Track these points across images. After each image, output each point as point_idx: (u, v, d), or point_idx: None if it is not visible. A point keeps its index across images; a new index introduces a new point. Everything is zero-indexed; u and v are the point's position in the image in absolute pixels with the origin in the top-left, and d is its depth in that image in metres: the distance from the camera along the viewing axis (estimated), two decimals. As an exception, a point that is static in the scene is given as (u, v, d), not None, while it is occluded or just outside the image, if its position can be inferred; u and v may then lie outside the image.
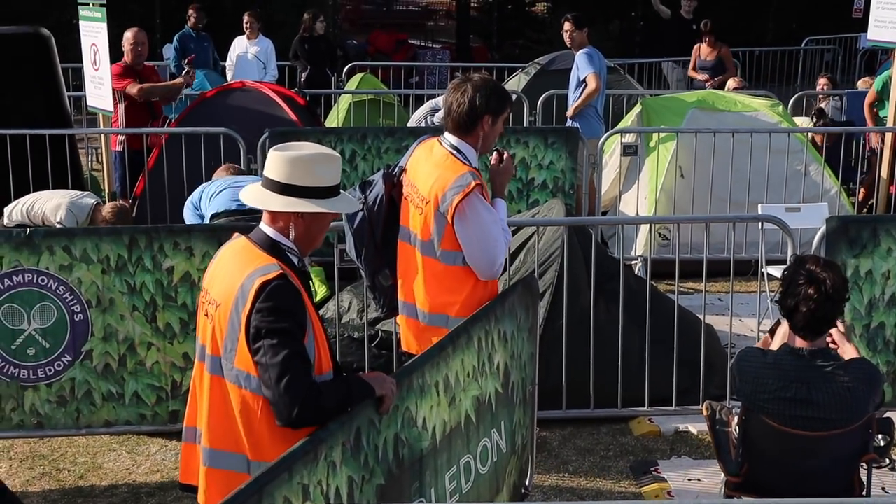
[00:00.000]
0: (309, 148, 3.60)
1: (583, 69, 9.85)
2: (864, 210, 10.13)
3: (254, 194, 3.60)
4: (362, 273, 5.01)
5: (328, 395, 3.39)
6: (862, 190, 10.34)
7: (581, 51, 9.97)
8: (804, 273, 4.32)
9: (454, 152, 4.61)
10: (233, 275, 3.47)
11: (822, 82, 12.26)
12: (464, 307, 4.60)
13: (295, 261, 3.55)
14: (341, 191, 3.61)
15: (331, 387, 3.44)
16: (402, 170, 4.78)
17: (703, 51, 13.39)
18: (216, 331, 3.48)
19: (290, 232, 3.52)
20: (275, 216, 3.54)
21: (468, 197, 4.47)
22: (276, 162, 3.53)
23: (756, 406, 4.43)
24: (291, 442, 3.33)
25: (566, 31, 10.02)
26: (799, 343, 4.37)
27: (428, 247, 4.61)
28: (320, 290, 7.85)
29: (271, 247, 3.52)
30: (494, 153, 4.78)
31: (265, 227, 3.56)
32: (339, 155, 3.62)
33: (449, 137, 4.65)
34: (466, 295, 4.61)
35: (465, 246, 4.52)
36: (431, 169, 4.61)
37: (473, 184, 4.48)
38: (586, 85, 9.85)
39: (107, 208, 7.79)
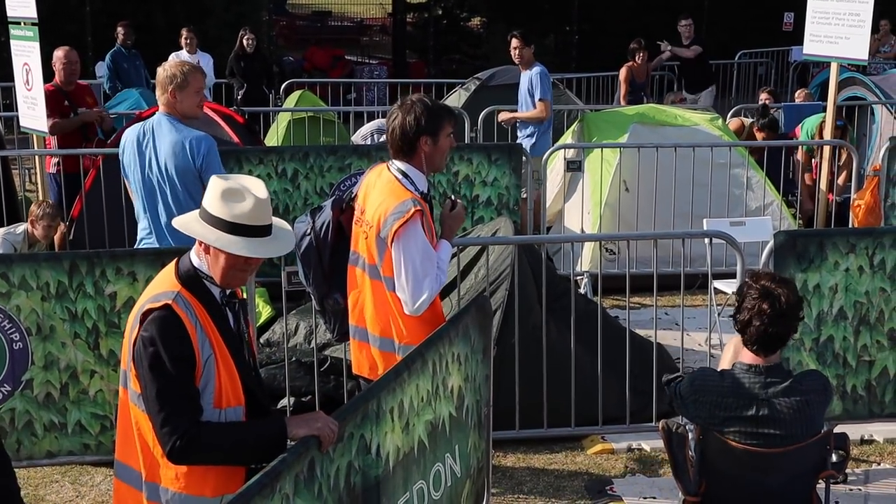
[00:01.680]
0: (243, 182, 3.54)
1: (538, 91, 9.82)
2: (800, 222, 10.23)
3: (186, 216, 3.61)
4: (311, 297, 4.97)
5: (215, 435, 3.39)
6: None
7: (535, 69, 9.93)
8: (758, 288, 4.30)
9: (400, 177, 4.63)
10: (143, 298, 3.52)
11: (763, 96, 12.38)
12: (410, 332, 4.62)
13: (216, 291, 3.52)
14: (271, 233, 3.53)
15: (221, 428, 3.43)
16: (354, 196, 4.81)
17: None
18: (124, 348, 3.52)
19: (202, 258, 3.51)
20: (200, 243, 3.52)
21: (405, 224, 4.48)
22: (209, 188, 3.53)
23: (714, 428, 4.40)
24: (183, 470, 3.39)
25: (514, 48, 9.99)
26: (753, 359, 4.36)
27: (373, 270, 4.64)
28: (265, 311, 7.72)
29: (187, 274, 3.50)
30: (447, 200, 4.80)
31: (192, 253, 3.55)
32: (261, 196, 3.49)
33: (396, 162, 4.68)
34: (411, 320, 4.61)
35: (395, 273, 4.54)
36: (377, 194, 4.64)
37: (413, 210, 4.49)
38: (534, 107, 9.85)
39: (33, 210, 7.66)
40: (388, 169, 4.68)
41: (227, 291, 3.58)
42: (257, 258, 3.51)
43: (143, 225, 6.02)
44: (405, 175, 4.62)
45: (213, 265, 3.49)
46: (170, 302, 3.39)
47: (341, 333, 4.97)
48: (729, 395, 4.34)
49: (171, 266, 3.58)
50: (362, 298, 4.72)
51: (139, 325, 3.41)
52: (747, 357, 4.38)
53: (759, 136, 10.70)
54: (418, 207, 4.49)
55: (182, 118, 5.93)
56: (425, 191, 4.68)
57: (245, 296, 3.87)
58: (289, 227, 3.69)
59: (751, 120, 11.30)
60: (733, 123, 11.34)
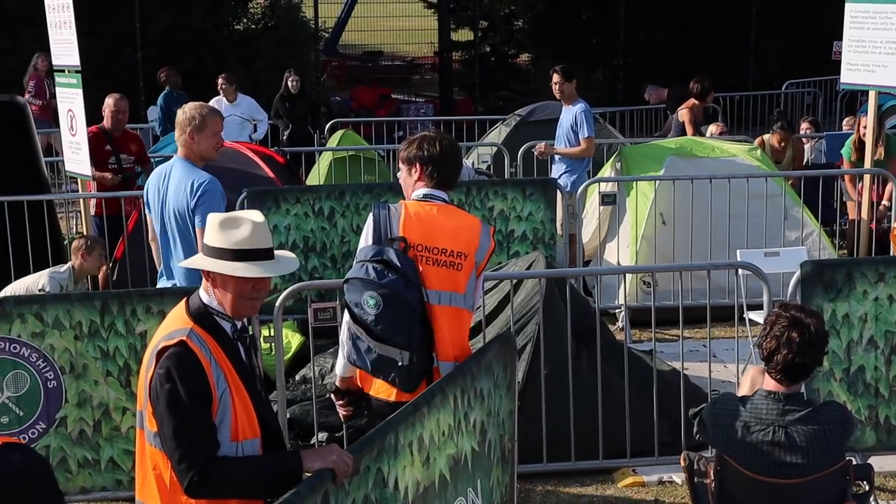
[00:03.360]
0: (239, 213, 3.67)
1: (583, 129, 9.84)
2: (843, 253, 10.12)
3: (193, 257, 3.76)
4: (400, 357, 4.45)
5: (231, 469, 3.44)
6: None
7: (578, 106, 9.96)
8: (788, 317, 4.32)
9: (450, 203, 4.68)
10: (156, 337, 3.58)
11: (804, 126, 12.33)
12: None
13: (227, 325, 3.60)
14: (274, 256, 3.65)
15: (238, 462, 3.49)
16: (405, 239, 4.50)
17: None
18: (140, 389, 3.59)
19: (211, 294, 3.60)
20: (207, 278, 3.62)
21: (493, 242, 4.68)
22: (207, 225, 3.66)
23: (730, 453, 4.39)
24: None
25: (555, 84, 10.05)
26: (774, 387, 4.35)
27: (468, 300, 4.57)
28: (294, 340, 7.80)
29: (197, 311, 3.58)
30: None
31: (201, 290, 3.64)
32: (255, 220, 3.61)
33: (436, 192, 4.62)
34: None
35: (475, 294, 4.66)
36: (453, 224, 4.56)
37: (490, 227, 4.73)
38: (579, 144, 9.88)
39: (77, 243, 7.83)
40: (431, 199, 4.59)
41: (239, 326, 3.65)
42: (264, 283, 3.61)
43: (162, 265, 6.19)
44: (447, 201, 4.69)
45: (223, 297, 3.58)
46: (184, 338, 3.47)
47: (418, 380, 4.52)
48: (747, 420, 4.34)
49: (181, 305, 3.66)
50: (455, 333, 4.55)
51: (155, 363, 3.48)
52: (769, 384, 4.38)
53: (774, 139, 10.62)
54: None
55: (198, 161, 6.09)
56: None
57: (266, 335, 3.96)
58: (292, 255, 3.80)
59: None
60: (756, 142, 11.22)
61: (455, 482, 4.35)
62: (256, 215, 3.65)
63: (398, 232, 4.50)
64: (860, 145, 9.91)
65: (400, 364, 4.42)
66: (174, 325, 3.58)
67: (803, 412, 4.31)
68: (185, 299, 3.67)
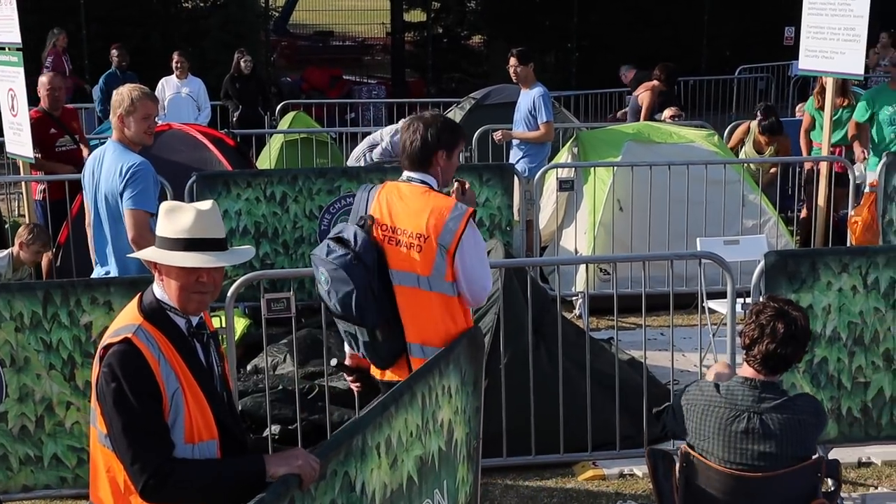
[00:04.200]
0: (193, 203, 3.50)
1: (542, 113, 9.69)
2: (798, 239, 10.09)
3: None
4: (356, 333, 4.59)
5: (189, 472, 3.28)
6: (803, 213, 10.31)
7: (536, 90, 9.80)
8: (775, 307, 4.29)
9: (428, 186, 4.60)
10: (106, 333, 3.41)
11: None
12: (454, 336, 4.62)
13: (181, 322, 3.42)
14: (227, 247, 3.48)
15: (196, 465, 3.32)
16: (372, 218, 4.59)
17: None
18: (93, 386, 3.41)
19: (163, 290, 3.42)
20: (157, 272, 3.45)
21: (469, 223, 4.50)
22: (159, 214, 3.51)
23: (702, 441, 4.29)
24: None
25: (511, 67, 9.88)
26: (752, 374, 4.27)
27: (433, 282, 4.51)
28: (239, 325, 7.56)
29: (150, 306, 3.41)
30: (455, 183, 4.74)
31: (155, 283, 3.46)
32: (201, 208, 3.43)
33: (412, 174, 4.62)
34: (462, 324, 4.61)
35: (466, 273, 4.49)
36: (417, 206, 4.54)
37: (467, 210, 4.52)
38: (538, 128, 9.73)
39: (21, 233, 7.58)
40: (409, 182, 4.61)
41: (195, 322, 3.46)
42: (208, 275, 3.40)
43: (96, 252, 6.02)
44: (429, 185, 4.60)
45: (170, 291, 3.40)
46: (129, 336, 3.28)
47: (390, 359, 4.63)
48: (721, 406, 4.25)
49: (135, 300, 3.47)
50: (421, 313, 4.54)
51: (99, 361, 3.31)
52: (746, 372, 4.31)
53: (762, 139, 10.55)
54: (472, 209, 4.55)
55: (130, 144, 5.87)
56: None
57: (217, 328, 3.73)
58: (250, 248, 3.64)
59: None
60: (741, 128, 11.14)
61: (422, 484, 4.21)
62: (205, 203, 3.47)
63: (369, 211, 4.59)
64: (822, 91, 9.89)
65: (361, 339, 4.56)
66: (123, 320, 3.40)
67: (779, 401, 4.26)
68: (140, 293, 3.48)
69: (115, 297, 5.39)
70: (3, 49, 8.53)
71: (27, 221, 8.90)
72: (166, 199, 8.13)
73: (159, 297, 3.42)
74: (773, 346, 4.22)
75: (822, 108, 10.17)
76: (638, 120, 12.08)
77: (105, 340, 3.34)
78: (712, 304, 7.52)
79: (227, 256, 3.45)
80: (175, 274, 3.37)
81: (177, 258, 3.35)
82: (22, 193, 9.63)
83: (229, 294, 5.72)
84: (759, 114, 10.91)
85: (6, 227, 9.23)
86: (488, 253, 6.77)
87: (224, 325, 5.74)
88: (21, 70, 8.32)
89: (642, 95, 12.21)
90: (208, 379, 3.45)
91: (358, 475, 3.69)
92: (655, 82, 12.18)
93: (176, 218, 3.39)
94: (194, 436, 3.34)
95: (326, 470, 3.47)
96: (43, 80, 9.08)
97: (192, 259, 3.35)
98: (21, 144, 8.55)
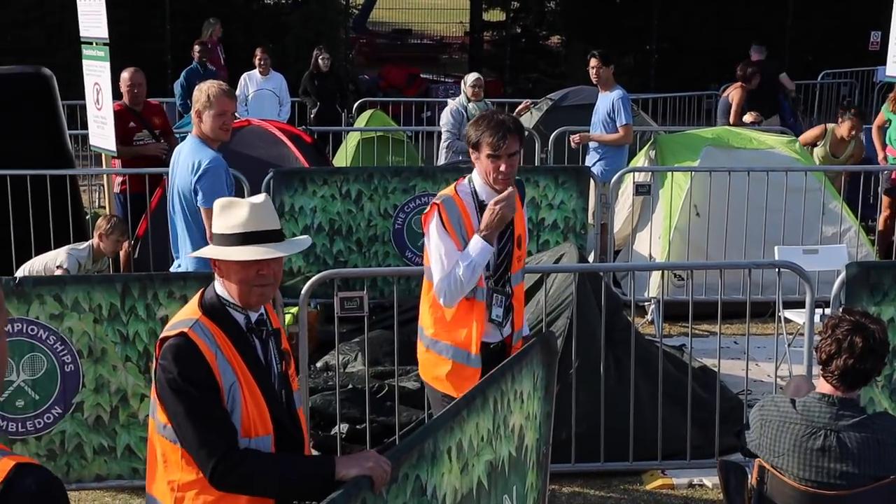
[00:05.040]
0: (245, 199, 3.52)
1: (621, 116, 9.63)
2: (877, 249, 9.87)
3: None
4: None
5: (259, 464, 3.28)
6: (882, 221, 10.08)
7: (616, 92, 9.73)
8: (852, 321, 4.17)
9: (462, 181, 4.69)
10: (165, 327, 3.44)
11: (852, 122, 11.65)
12: (437, 326, 4.67)
13: (240, 318, 3.42)
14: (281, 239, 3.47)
15: (269, 458, 3.33)
16: None
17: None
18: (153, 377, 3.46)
19: (223, 286, 3.42)
20: (216, 269, 3.46)
21: (426, 218, 4.59)
22: (213, 213, 3.51)
23: (776, 458, 4.21)
24: (212, 501, 3.30)
25: (592, 68, 9.81)
26: (830, 391, 4.17)
27: (427, 271, 4.71)
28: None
29: (210, 302, 3.42)
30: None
31: (216, 280, 3.47)
32: (254, 201, 3.44)
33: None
34: (439, 315, 4.66)
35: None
36: None
37: (431, 204, 4.59)
38: (617, 130, 9.67)
39: (100, 224, 7.71)
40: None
41: (255, 318, 3.47)
42: (268, 267, 3.39)
43: (172, 245, 6.12)
44: (471, 181, 4.64)
45: (230, 287, 3.40)
46: (186, 330, 3.30)
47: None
48: (797, 423, 4.16)
49: (197, 295, 3.51)
50: (421, 300, 4.80)
51: (157, 353, 3.35)
52: (824, 388, 4.20)
53: (844, 127, 10.19)
54: (437, 202, 4.53)
55: (208, 140, 5.95)
56: (487, 200, 4.56)
57: (281, 325, 3.75)
58: (306, 237, 3.66)
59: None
60: (815, 129, 10.84)
61: (492, 489, 4.18)
62: (258, 197, 3.48)
63: None
64: None
65: None
66: (182, 315, 3.44)
67: (857, 419, 4.13)
68: (202, 289, 3.51)
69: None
70: (91, 44, 8.68)
71: (108, 212, 9.07)
72: (244, 194, 8.25)
73: (219, 294, 3.43)
74: (851, 362, 4.11)
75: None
76: (727, 120, 11.94)
77: (163, 334, 3.37)
78: (788, 313, 7.39)
79: (284, 247, 3.45)
80: (235, 268, 3.37)
81: (235, 252, 3.36)
82: (103, 185, 9.80)
83: (303, 291, 5.75)
84: (847, 107, 10.63)
85: (87, 218, 9.39)
86: (560, 258, 6.76)
87: (297, 321, 5.78)
88: (107, 64, 8.46)
89: (733, 94, 12.08)
90: (265, 375, 3.45)
91: (429, 479, 3.67)
92: (741, 83, 12.05)
93: (231, 214, 3.40)
94: (250, 430, 3.34)
95: (398, 473, 3.46)
96: (124, 75, 9.22)
97: (250, 252, 3.36)
98: (104, 138, 8.69)
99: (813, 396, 4.23)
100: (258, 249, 3.37)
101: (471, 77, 11.04)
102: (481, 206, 4.57)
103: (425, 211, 4.65)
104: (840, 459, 4.10)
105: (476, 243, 4.50)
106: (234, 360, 3.34)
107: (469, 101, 10.88)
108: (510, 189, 4.54)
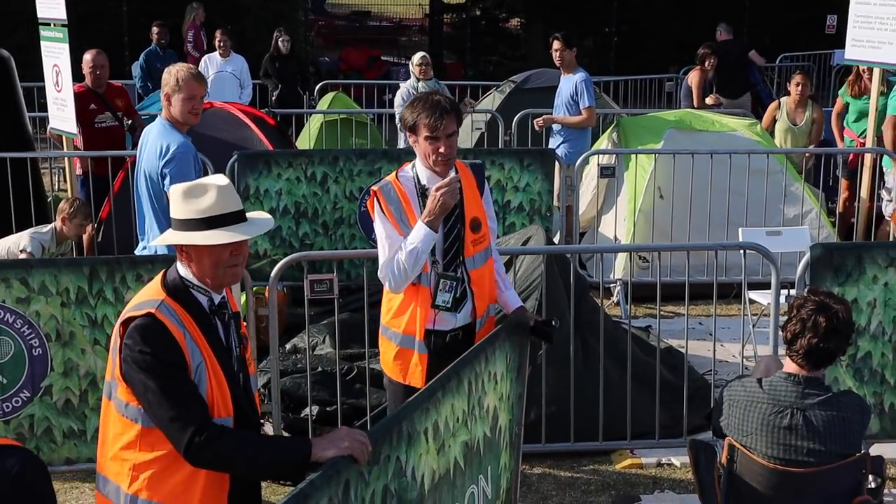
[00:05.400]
0: (202, 180, 3.49)
1: (584, 98, 9.67)
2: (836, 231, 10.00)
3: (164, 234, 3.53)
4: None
5: (235, 441, 3.29)
6: (841, 203, 10.19)
7: (578, 75, 9.77)
8: (816, 301, 4.23)
9: (405, 166, 4.64)
10: (127, 308, 3.42)
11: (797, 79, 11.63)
12: (388, 309, 4.66)
13: (203, 300, 3.43)
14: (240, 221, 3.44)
15: (246, 436, 3.36)
16: None
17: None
18: (109, 358, 3.44)
19: (187, 267, 3.42)
20: (181, 252, 3.44)
21: (369, 202, 4.59)
22: (171, 197, 3.48)
23: (744, 437, 4.27)
24: (169, 481, 3.30)
25: (555, 51, 9.83)
26: (795, 370, 4.23)
27: None
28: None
29: (173, 283, 3.42)
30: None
31: (177, 262, 3.47)
32: (220, 184, 3.43)
33: None
34: (389, 299, 4.66)
35: None
36: None
37: (370, 189, 4.59)
38: (580, 113, 9.70)
39: (63, 207, 7.65)
40: None
41: (217, 300, 3.47)
42: (241, 247, 3.43)
43: (138, 227, 6.09)
44: (414, 166, 4.59)
45: (200, 270, 3.41)
46: (152, 311, 3.29)
47: None
48: (764, 402, 4.22)
49: (158, 276, 3.49)
50: None
51: (121, 334, 3.31)
52: (789, 367, 4.26)
53: (793, 85, 10.29)
54: (374, 188, 4.52)
55: (176, 123, 5.90)
56: (430, 186, 4.49)
57: (239, 309, 3.72)
58: (266, 215, 3.62)
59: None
60: (771, 106, 10.83)
61: (468, 469, 4.21)
62: (220, 178, 3.48)
63: None
64: (856, 78, 9.83)
65: None
66: (145, 296, 3.42)
67: (823, 397, 4.20)
68: (163, 271, 3.51)
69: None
70: (49, 25, 8.57)
71: (69, 196, 8.98)
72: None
73: (183, 275, 3.43)
74: (815, 341, 4.16)
75: (856, 95, 10.07)
76: (691, 103, 12.02)
77: (125, 315, 3.34)
78: (753, 294, 7.47)
79: (256, 227, 3.48)
80: (208, 252, 3.37)
81: (213, 236, 3.35)
82: (64, 168, 9.69)
83: (273, 274, 5.74)
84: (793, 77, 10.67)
85: (48, 201, 9.29)
86: (528, 240, 6.78)
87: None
88: (66, 46, 8.36)
89: (692, 76, 12.16)
90: (227, 357, 3.47)
91: (408, 460, 3.68)
92: (700, 66, 12.14)
93: (197, 198, 3.39)
94: (213, 411, 3.34)
95: (380, 454, 3.47)
96: (87, 57, 9.13)
97: (228, 234, 3.36)
98: (64, 120, 8.60)
99: (779, 376, 4.28)
100: (233, 232, 3.38)
101: (416, 56, 11.26)
102: (423, 192, 4.51)
103: (367, 199, 4.63)
104: (807, 437, 4.16)
105: (419, 229, 4.43)
106: (199, 340, 3.35)
107: (419, 80, 10.90)
108: (452, 175, 4.46)
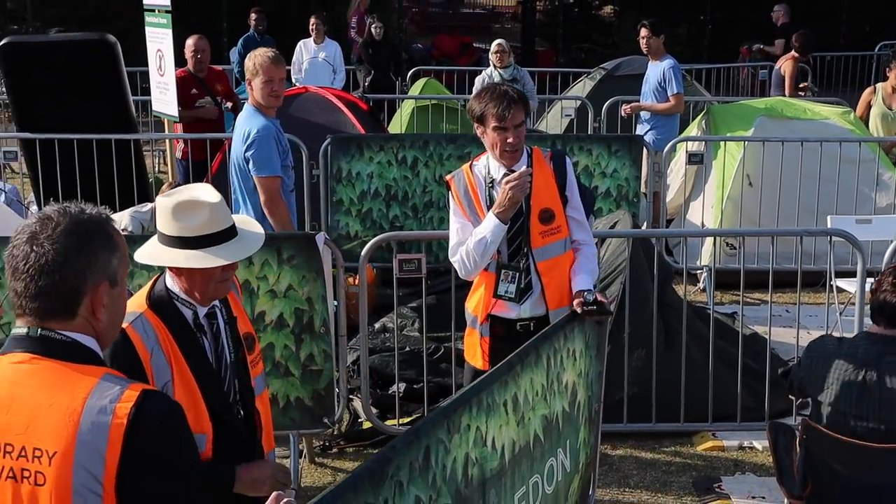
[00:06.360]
0: (192, 192, 3.33)
1: (672, 85, 9.72)
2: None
3: (146, 245, 3.36)
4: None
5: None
6: None
7: (666, 62, 9.82)
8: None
9: (480, 156, 4.72)
10: None
11: None
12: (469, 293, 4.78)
13: (188, 313, 3.34)
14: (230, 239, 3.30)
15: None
16: None
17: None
18: None
19: (177, 282, 3.32)
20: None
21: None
22: (157, 208, 3.35)
23: (818, 392, 4.32)
24: None
25: (643, 38, 9.89)
26: (876, 330, 4.31)
27: None
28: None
29: (158, 294, 3.33)
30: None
31: (167, 273, 3.36)
32: (212, 201, 3.28)
33: None
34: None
35: None
36: None
37: (446, 178, 4.72)
38: (668, 100, 9.74)
39: (163, 189, 7.92)
40: None
41: (204, 312, 3.37)
42: (233, 265, 3.33)
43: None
44: (488, 157, 4.64)
45: (190, 285, 3.31)
46: (126, 325, 3.10)
47: None
48: (842, 357, 4.27)
49: (147, 285, 3.41)
50: None
51: None
52: (872, 329, 4.33)
53: (891, 76, 10.07)
54: (448, 178, 4.65)
55: (261, 107, 6.03)
56: (497, 177, 4.57)
57: (240, 311, 3.60)
58: (255, 224, 3.53)
59: None
60: (866, 93, 10.60)
61: (547, 442, 4.33)
62: (212, 195, 3.32)
63: None
64: None
65: None
66: (130, 306, 3.18)
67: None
68: (155, 277, 3.43)
69: (257, 253, 5.61)
70: (153, 11, 8.87)
71: (169, 178, 9.30)
72: (301, 160, 8.43)
73: (169, 287, 3.34)
74: (893, 298, 4.21)
75: None
76: (782, 91, 11.92)
77: None
78: (840, 282, 7.46)
79: (246, 246, 3.36)
80: (200, 269, 3.27)
81: (207, 259, 3.24)
82: (165, 151, 10.03)
83: (363, 254, 5.92)
84: (892, 57, 10.46)
85: (150, 182, 9.63)
86: (615, 225, 6.87)
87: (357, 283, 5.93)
88: (169, 31, 8.64)
89: (785, 65, 12.05)
90: (210, 371, 3.37)
91: (488, 430, 3.82)
92: (794, 54, 12.03)
93: (190, 215, 3.27)
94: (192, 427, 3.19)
95: (461, 423, 3.61)
96: (189, 42, 9.42)
97: (223, 255, 3.26)
98: (166, 103, 8.89)
99: (860, 335, 4.35)
100: (227, 252, 3.28)
101: (493, 44, 11.23)
102: (492, 183, 4.58)
103: None
104: (879, 397, 4.18)
105: (489, 220, 4.50)
106: (172, 357, 3.27)
107: (496, 68, 10.93)
108: (524, 169, 4.48)
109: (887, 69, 10.28)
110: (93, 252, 2.47)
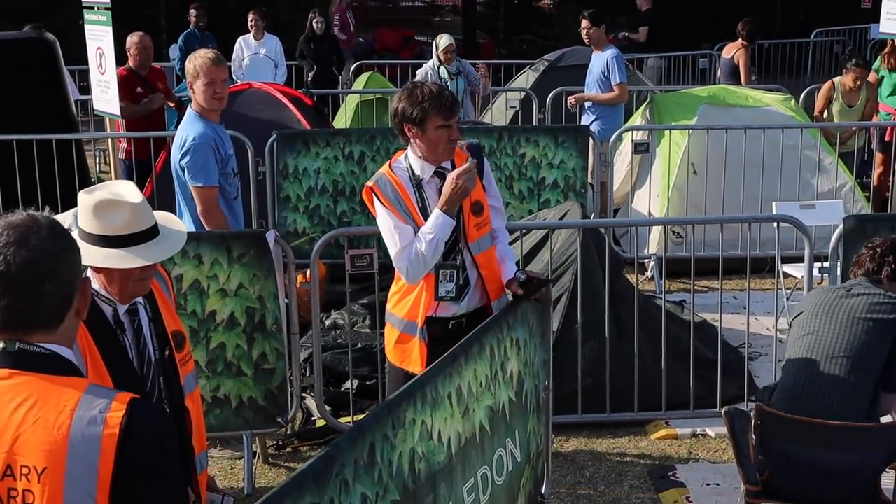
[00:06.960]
0: (114, 189, 3.27)
1: (615, 74, 9.76)
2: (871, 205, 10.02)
3: None
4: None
5: None
6: (876, 177, 10.19)
7: (608, 52, 9.86)
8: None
9: (398, 157, 4.58)
10: None
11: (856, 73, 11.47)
12: (392, 298, 4.66)
13: (107, 310, 3.28)
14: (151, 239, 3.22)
15: None
16: None
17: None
18: None
19: (97, 279, 3.26)
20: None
21: (365, 196, 4.55)
22: (79, 204, 3.27)
23: (801, 321, 4.69)
24: None
25: (583, 29, 9.93)
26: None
27: None
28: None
29: None
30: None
31: (89, 270, 3.27)
32: (134, 201, 3.21)
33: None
34: (397, 289, 4.66)
35: None
36: None
37: (365, 186, 4.53)
38: (612, 90, 9.79)
39: None
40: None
41: (123, 310, 3.31)
42: (153, 265, 3.28)
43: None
44: (406, 157, 4.54)
45: (109, 283, 3.25)
46: None
47: None
48: (827, 289, 4.78)
49: None
50: None
51: None
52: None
53: (849, 78, 10.14)
54: (369, 185, 4.46)
55: (202, 111, 5.83)
56: (424, 177, 4.48)
57: (168, 306, 3.51)
58: (178, 223, 3.47)
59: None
60: (825, 88, 10.65)
61: (494, 433, 4.34)
62: (133, 194, 3.26)
63: None
64: (892, 52, 9.82)
65: None
66: None
67: (884, 296, 4.56)
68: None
69: (205, 250, 5.57)
70: (93, 8, 8.73)
71: (112, 178, 9.16)
72: (247, 156, 8.35)
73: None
74: (873, 253, 4.71)
75: (892, 69, 10.05)
76: (737, 79, 11.98)
77: None
78: (787, 268, 7.54)
79: (167, 247, 3.30)
80: (119, 270, 3.21)
81: (128, 258, 3.19)
82: (107, 150, 9.88)
83: (314, 251, 5.88)
84: (848, 58, 10.61)
85: (92, 182, 9.48)
86: (563, 216, 6.89)
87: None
88: (109, 29, 8.50)
89: (737, 54, 12.16)
90: (128, 368, 3.30)
91: (434, 424, 3.80)
92: (742, 42, 12.15)
93: (112, 214, 3.20)
94: None
95: (406, 418, 3.59)
96: (133, 39, 9.29)
97: (145, 255, 3.20)
98: (108, 101, 8.76)
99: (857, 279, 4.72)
100: (149, 252, 3.22)
101: (443, 41, 10.90)
102: (419, 183, 4.48)
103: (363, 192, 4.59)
104: (849, 306, 4.55)
105: (436, 217, 4.40)
106: (88, 352, 3.19)
107: (440, 64, 10.86)
108: (471, 161, 4.42)
109: (844, 70, 10.34)
110: (76, 252, 2.43)
